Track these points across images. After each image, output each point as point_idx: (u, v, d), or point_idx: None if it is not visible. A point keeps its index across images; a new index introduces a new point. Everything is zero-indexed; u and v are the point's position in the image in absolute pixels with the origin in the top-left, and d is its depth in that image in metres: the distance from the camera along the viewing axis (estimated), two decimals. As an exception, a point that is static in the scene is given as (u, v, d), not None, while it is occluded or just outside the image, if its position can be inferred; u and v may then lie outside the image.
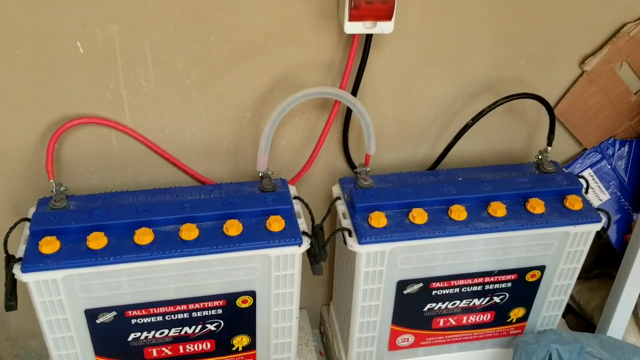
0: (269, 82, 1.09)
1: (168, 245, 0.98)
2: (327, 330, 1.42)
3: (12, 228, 1.01)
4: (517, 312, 1.22)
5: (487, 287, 1.15)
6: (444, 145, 1.20)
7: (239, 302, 1.08)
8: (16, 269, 0.94)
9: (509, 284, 1.16)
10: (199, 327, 1.09)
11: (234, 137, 1.15)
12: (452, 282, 1.13)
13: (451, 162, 1.23)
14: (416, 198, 1.08)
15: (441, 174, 1.17)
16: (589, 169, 1.32)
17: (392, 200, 1.07)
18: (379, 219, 1.03)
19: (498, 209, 1.06)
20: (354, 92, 1.10)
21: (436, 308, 1.16)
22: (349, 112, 1.15)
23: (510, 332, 1.26)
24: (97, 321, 1.03)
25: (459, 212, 1.05)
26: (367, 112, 1.04)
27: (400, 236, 1.03)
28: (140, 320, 1.05)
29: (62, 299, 0.98)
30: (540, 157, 1.18)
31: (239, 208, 1.04)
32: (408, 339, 1.21)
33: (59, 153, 1.08)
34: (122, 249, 0.97)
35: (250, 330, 1.13)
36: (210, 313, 1.08)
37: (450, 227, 1.05)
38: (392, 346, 1.21)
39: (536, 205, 1.07)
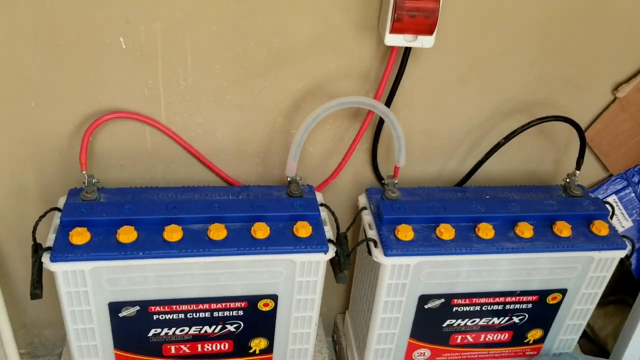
0: (303, 88, 1.10)
1: (196, 244, 0.99)
2: (340, 338, 1.42)
3: (42, 216, 1.02)
4: (534, 334, 1.22)
5: (507, 306, 1.15)
6: (472, 162, 1.20)
7: (261, 305, 1.08)
8: (45, 258, 0.95)
9: (530, 305, 1.16)
10: (219, 327, 1.10)
11: (264, 140, 1.16)
12: (474, 299, 1.13)
13: (479, 180, 1.23)
14: (444, 213, 1.08)
15: (469, 190, 1.17)
16: (613, 195, 1.32)
17: (419, 214, 1.08)
18: (406, 232, 1.04)
19: (525, 230, 1.06)
20: (388, 104, 1.11)
21: (455, 324, 1.16)
22: (380, 122, 1.15)
23: (526, 353, 1.25)
24: (120, 315, 1.04)
25: (486, 231, 1.05)
26: (400, 124, 1.05)
27: (426, 250, 1.03)
28: (162, 317, 1.06)
29: (88, 291, 0.99)
30: (568, 180, 1.18)
31: (267, 211, 1.05)
32: (424, 353, 1.21)
33: (92, 145, 1.09)
34: (151, 245, 0.98)
35: (269, 334, 1.14)
36: (231, 314, 1.08)
37: (477, 244, 1.05)
38: (408, 359, 1.21)
39: (563, 229, 1.07)
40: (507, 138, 1.13)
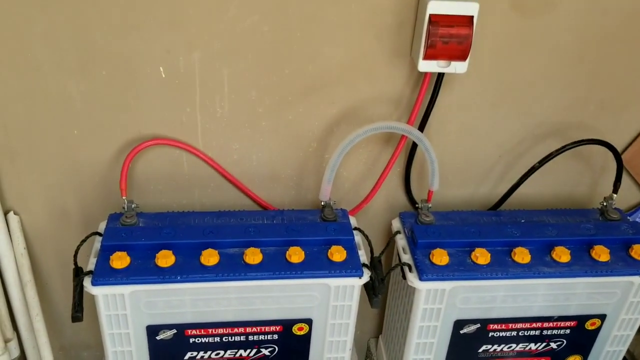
0: (337, 113, 1.12)
1: (233, 268, 1.00)
2: (373, 363, 1.42)
3: (83, 241, 1.05)
4: (573, 360, 1.20)
5: (545, 332, 1.13)
6: (506, 185, 1.20)
7: (295, 329, 1.09)
8: (87, 282, 0.98)
9: (568, 331, 1.14)
10: (254, 350, 1.11)
11: (298, 165, 1.17)
12: (510, 325, 1.11)
13: (513, 203, 1.22)
14: (479, 238, 1.08)
15: (503, 214, 1.17)
16: (652, 218, 1.30)
17: (454, 238, 1.07)
18: (441, 257, 1.04)
19: (562, 254, 1.05)
20: (421, 129, 1.11)
21: (491, 350, 1.15)
22: (413, 147, 1.16)
23: (565, 380, 1.23)
24: (157, 337, 1.06)
25: (522, 255, 1.04)
26: (433, 148, 1.06)
27: (462, 275, 1.03)
28: (198, 340, 1.07)
29: (127, 314, 1.01)
30: (605, 203, 1.17)
31: (302, 236, 1.06)
32: (459, 378, 1.20)
33: (131, 171, 1.12)
34: (188, 269, 0.99)
35: (303, 358, 1.14)
36: (266, 338, 1.09)
37: (513, 269, 1.04)
38: (443, 385, 1.20)
39: (601, 253, 1.06)
40: (542, 162, 1.13)
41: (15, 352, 1.23)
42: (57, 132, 1.07)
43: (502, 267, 1.04)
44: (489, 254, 1.05)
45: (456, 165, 1.20)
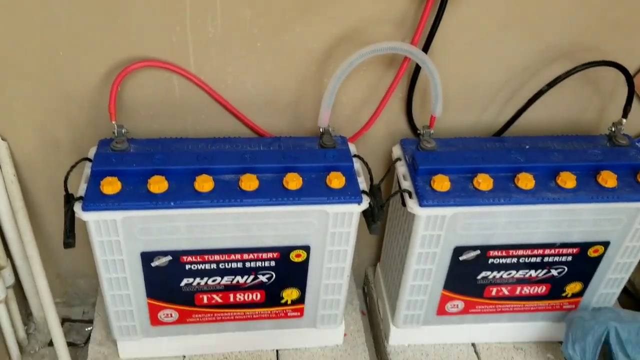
0: (337, 34, 1.06)
1: (228, 194, 0.97)
2: (371, 291, 1.41)
3: (72, 167, 1.01)
4: (573, 287, 1.18)
5: (546, 259, 1.12)
6: (511, 111, 1.16)
7: (293, 256, 1.07)
8: (77, 207, 0.95)
9: (570, 258, 1.12)
10: (251, 277, 1.09)
11: (296, 90, 1.12)
12: (511, 251, 1.10)
13: (517, 130, 1.18)
14: (482, 164, 1.04)
15: (508, 140, 1.13)
16: (660, 145, 1.26)
17: (456, 164, 1.04)
18: (442, 182, 1.01)
19: (568, 180, 1.02)
20: (425, 50, 1.06)
21: (491, 277, 1.14)
22: (416, 71, 1.11)
23: (564, 307, 1.23)
24: (152, 264, 1.04)
25: (526, 181, 1.01)
26: (437, 71, 1.01)
27: (463, 201, 1.00)
28: (194, 267, 1.06)
29: (120, 240, 0.99)
30: (613, 129, 1.13)
31: (299, 162, 1.03)
32: (458, 305, 1.19)
33: (121, 95, 1.08)
34: (182, 195, 0.96)
35: (301, 285, 1.13)
36: (263, 264, 1.08)
37: (517, 195, 1.01)
38: (441, 311, 1.20)
39: (608, 179, 1.03)
40: (550, 85, 1.08)
41: (10, 280, 1.22)
42: (42, 53, 1.02)
43: (504, 192, 1.01)
44: (492, 180, 1.02)
45: (461, 89, 1.15)
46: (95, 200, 0.95)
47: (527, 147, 1.11)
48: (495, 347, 1.28)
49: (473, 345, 1.28)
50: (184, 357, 1.22)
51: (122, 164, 0.99)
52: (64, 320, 1.40)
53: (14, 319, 1.29)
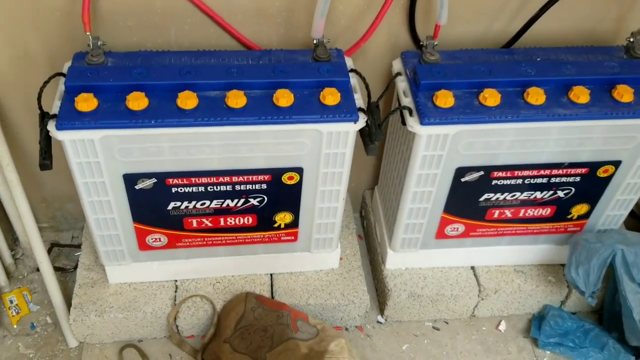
0: None
1: (213, 112, 0.90)
2: (369, 214, 1.37)
3: (46, 82, 0.94)
4: (579, 209, 1.13)
5: (553, 180, 1.06)
6: (522, 20, 1.06)
7: (285, 178, 1.01)
8: (51, 126, 0.88)
9: (578, 178, 1.06)
10: (242, 200, 1.04)
11: (287, -3, 1.03)
12: (516, 172, 1.04)
13: (528, 41, 1.09)
14: (489, 77, 0.96)
15: (517, 52, 1.05)
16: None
17: (461, 78, 0.96)
18: (445, 98, 0.93)
19: (581, 95, 0.94)
20: (429, -51, 0.96)
21: (493, 199, 1.09)
22: (419, -26, 1.00)
23: (568, 229, 1.18)
24: (136, 187, 0.98)
25: (536, 96, 0.94)
26: (443, -27, 0.91)
27: (468, 118, 0.93)
28: (181, 189, 1.00)
29: (100, 161, 0.93)
30: (632, 39, 1.04)
31: (291, 77, 0.95)
32: (458, 228, 1.14)
33: (96, 4, 0.98)
34: (164, 112, 0.89)
35: (294, 208, 1.08)
36: (254, 187, 1.02)
37: (525, 111, 0.94)
38: (440, 234, 1.15)
39: (624, 93, 0.95)
40: (566, -11, 0.98)
41: (-10, 203, 1.17)
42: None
43: (513, 109, 0.94)
44: (499, 95, 0.94)
45: (467, -4, 1.05)
46: (70, 118, 0.88)
47: (538, 59, 1.02)
48: (495, 270, 1.25)
49: (472, 268, 1.24)
50: (176, 281, 1.19)
51: (98, 78, 0.91)
52: (52, 245, 1.36)
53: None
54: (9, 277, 1.29)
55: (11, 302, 1.26)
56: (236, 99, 0.91)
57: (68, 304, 1.17)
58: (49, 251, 1.34)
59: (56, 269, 1.31)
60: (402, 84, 1.01)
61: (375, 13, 1.04)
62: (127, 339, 1.19)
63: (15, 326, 1.23)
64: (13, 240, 1.34)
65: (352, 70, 1.00)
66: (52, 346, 1.20)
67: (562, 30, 1.11)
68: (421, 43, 1.03)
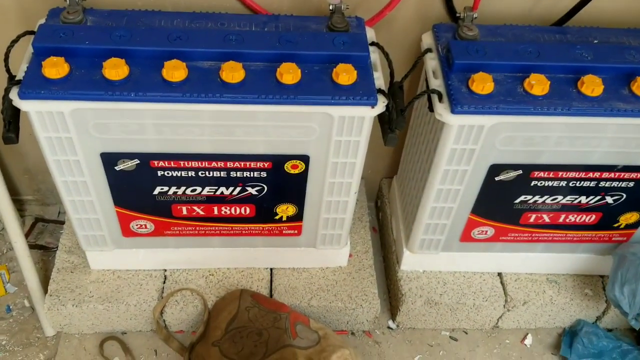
0: None
1: (205, 86, 0.76)
2: (385, 205, 1.23)
3: (13, 42, 0.81)
4: (629, 217, 0.98)
5: (602, 183, 0.91)
6: (579, -7, 0.90)
7: (288, 167, 0.88)
8: (13, 94, 0.75)
9: (631, 184, 0.91)
10: (238, 189, 0.91)
11: (301, -48, 0.87)
12: (560, 173, 0.89)
13: (583, 20, 0.92)
14: (536, 60, 0.81)
15: (570, 32, 0.88)
16: None
17: (503, 59, 0.80)
18: (483, 83, 0.78)
19: (646, 87, 0.79)
20: None
21: (531, 201, 0.94)
22: None
23: (613, 239, 1.03)
24: (117, 168, 0.85)
25: (592, 85, 0.78)
26: None
27: (510, 108, 0.78)
28: (167, 173, 0.87)
29: (72, 137, 0.80)
30: None
31: (299, 49, 0.80)
32: (486, 231, 1.00)
33: (75, -50, 0.84)
34: (146, 84, 0.76)
35: (298, 200, 0.94)
36: (252, 175, 0.89)
37: (579, 103, 0.78)
38: (466, 237, 1.01)
39: (700, 87, 0.79)
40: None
41: (-37, 176, 1.05)
42: None
43: (563, 99, 0.79)
44: (548, 82, 0.79)
45: (514, -39, 0.89)
46: (36, 85, 0.74)
47: (596, 41, 0.86)
48: (524, 279, 1.10)
49: (499, 275, 1.10)
50: (165, 271, 1.07)
51: (71, 40, 0.78)
52: (37, 220, 1.25)
53: (-25, 218, 1.14)
54: (-14, 253, 1.19)
55: (-13, 281, 1.16)
56: (232, 72, 0.76)
57: (46, 287, 1.06)
58: (32, 226, 1.24)
59: (39, 247, 1.20)
60: (431, 62, 0.86)
61: (405, -24, 0.88)
62: (110, 330, 1.09)
63: (-10, 308, 1.13)
64: (-7, 214, 1.23)
65: (372, 44, 0.85)
66: (27, 333, 1.10)
67: (622, 8, 0.94)
68: (457, 15, 0.87)
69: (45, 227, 1.25)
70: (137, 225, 0.96)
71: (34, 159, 1.17)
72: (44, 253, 1.19)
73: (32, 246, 1.16)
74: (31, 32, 0.82)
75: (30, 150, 1.15)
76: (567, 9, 0.92)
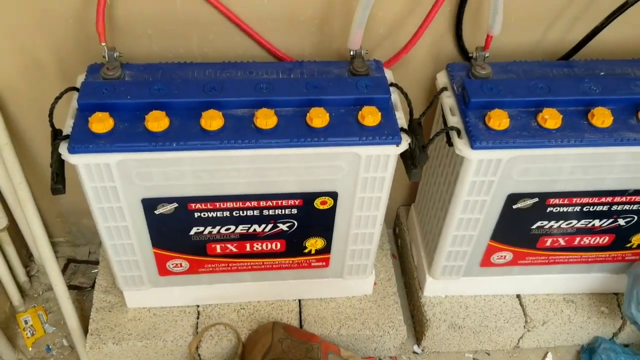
0: None
1: (241, 133, 0.81)
2: (404, 233, 1.27)
3: (57, 98, 0.86)
4: (640, 238, 1.03)
5: (614, 207, 0.96)
6: (583, 29, 0.95)
7: (317, 203, 0.92)
8: (63, 149, 0.80)
9: (642, 207, 0.96)
10: (270, 225, 0.95)
11: (322, 2, 0.93)
12: (574, 199, 0.93)
13: (588, 53, 0.98)
14: (548, 95, 0.86)
15: (577, 66, 0.94)
16: None
17: (517, 96, 0.86)
18: (499, 119, 0.83)
19: (654, 117, 0.84)
20: (483, -49, 0.85)
21: (547, 226, 0.98)
22: (469, -22, 0.90)
23: (626, 258, 1.07)
24: (156, 212, 0.90)
25: (602, 117, 0.83)
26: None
27: (526, 142, 0.83)
28: (204, 214, 0.92)
29: (117, 186, 0.85)
30: None
31: (326, 94, 0.85)
32: (505, 256, 1.04)
33: (111, 11, 0.90)
34: (186, 134, 0.81)
35: (327, 234, 0.99)
36: (283, 212, 0.93)
37: (590, 135, 0.83)
38: (486, 262, 1.06)
39: (703, 115, 0.84)
40: (638, -4, 0.87)
41: (3, 222, 1.10)
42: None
43: (576, 131, 0.84)
44: (560, 116, 0.84)
45: (522, 2, 0.94)
46: (84, 140, 0.80)
47: (603, 73, 0.92)
48: (542, 299, 1.14)
49: (518, 296, 1.14)
50: (198, 307, 1.11)
51: (114, 95, 0.83)
52: (69, 261, 1.29)
53: (12, 262, 1.18)
54: (23, 295, 1.22)
55: (26, 322, 1.20)
56: (266, 119, 0.81)
57: (85, 326, 1.10)
58: (65, 267, 1.28)
59: (72, 287, 1.24)
60: (448, 100, 0.91)
61: (417, 20, 0.94)
62: (147, 366, 1.12)
63: (30, 349, 1.17)
64: (27, 256, 1.28)
65: (392, 85, 0.91)
66: (68, 372, 1.14)
67: (626, 40, 1.00)
68: (470, 54, 0.93)
69: (77, 268, 1.29)
70: (173, 264, 1.01)
71: (67, 203, 1.22)
72: (78, 293, 1.23)
73: (67, 287, 1.21)
74: (73, 88, 0.87)
75: (62, 195, 1.20)
76: (573, 43, 0.98)
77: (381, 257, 1.20)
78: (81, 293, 1.24)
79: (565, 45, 0.99)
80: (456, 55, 1.00)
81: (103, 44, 0.86)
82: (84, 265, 1.29)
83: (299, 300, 1.13)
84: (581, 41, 0.96)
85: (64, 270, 1.27)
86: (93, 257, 1.31)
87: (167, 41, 0.95)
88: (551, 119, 0.83)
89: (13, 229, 1.17)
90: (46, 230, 1.06)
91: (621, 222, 0.99)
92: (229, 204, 0.91)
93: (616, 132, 0.84)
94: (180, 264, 1.01)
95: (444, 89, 0.92)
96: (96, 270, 1.19)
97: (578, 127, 0.84)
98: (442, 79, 0.94)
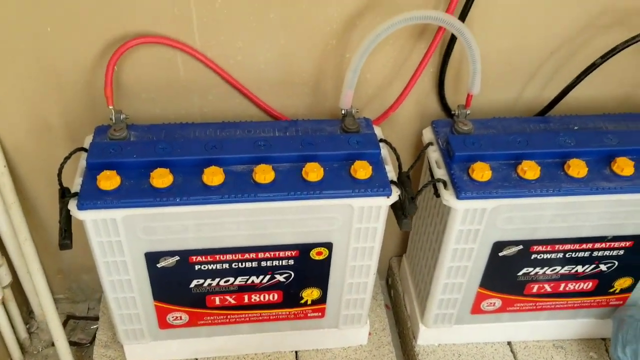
0: (360, 2, 0.93)
1: (240, 188, 0.86)
2: (396, 283, 1.31)
3: (66, 158, 0.91)
4: (623, 282, 1.07)
5: (595, 253, 1.01)
6: (556, 87, 1.03)
7: (313, 254, 0.97)
8: (72, 206, 0.84)
9: (621, 252, 1.01)
10: (267, 277, 0.99)
11: (314, 66, 1.00)
12: (557, 246, 0.98)
13: (562, 109, 1.06)
14: (526, 148, 0.92)
15: (552, 121, 1.01)
16: None
17: (498, 149, 0.92)
18: (482, 171, 0.89)
19: (625, 166, 0.90)
20: (462, 19, 0.93)
21: (533, 273, 1.03)
22: (450, 43, 0.98)
23: (610, 303, 1.11)
24: (158, 265, 0.94)
25: (578, 168, 0.89)
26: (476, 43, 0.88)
27: (507, 193, 0.88)
28: (204, 267, 0.95)
29: (122, 241, 0.89)
30: (673, 106, 1.00)
31: (320, 150, 0.91)
32: (494, 303, 1.08)
33: (118, 76, 0.96)
34: (189, 190, 0.86)
35: (322, 284, 1.03)
36: (280, 263, 0.97)
37: (567, 184, 0.89)
38: (476, 310, 1.09)
39: (671, 165, 0.90)
40: (605, 57, 0.95)
41: (7, 279, 1.13)
42: (27, 29, 0.90)
43: (554, 182, 0.89)
44: (539, 168, 0.90)
45: (498, 64, 1.02)
46: (92, 197, 0.84)
47: (576, 128, 0.99)
48: (533, 346, 1.17)
49: (509, 344, 1.17)
50: (196, 359, 1.13)
51: (120, 155, 0.88)
52: (68, 318, 1.31)
53: (14, 318, 1.20)
54: (23, 352, 1.24)
55: (24, 380, 1.21)
56: (264, 174, 0.87)
57: (84, 382, 1.12)
58: (65, 324, 1.29)
59: (72, 343, 1.26)
60: (434, 154, 0.97)
61: (403, 81, 1.01)
62: (145, 421, 1.13)
63: (28, 407, 1.17)
64: (28, 313, 1.30)
65: (381, 140, 0.97)
66: None
67: (598, 96, 1.08)
68: (452, 112, 1.00)
69: (77, 324, 1.31)
70: (173, 317, 1.03)
71: (68, 258, 1.25)
72: (77, 349, 1.25)
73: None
74: (81, 149, 0.93)
75: (64, 252, 1.23)
76: (548, 100, 1.05)
77: (375, 308, 1.24)
78: (80, 349, 1.26)
79: (541, 102, 1.06)
80: (440, 112, 1.07)
81: (111, 107, 0.92)
82: (83, 321, 1.31)
83: (296, 352, 1.15)
84: (555, 98, 1.03)
85: (63, 327, 1.29)
86: (92, 314, 1.32)
87: (169, 103, 1.01)
88: (530, 170, 0.89)
89: (15, 286, 1.20)
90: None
91: (603, 267, 1.03)
92: (229, 256, 0.95)
93: (591, 182, 0.90)
94: (180, 317, 1.04)
95: (430, 144, 0.98)
96: (95, 326, 1.21)
97: (556, 177, 0.90)
98: (427, 134, 1.00)
